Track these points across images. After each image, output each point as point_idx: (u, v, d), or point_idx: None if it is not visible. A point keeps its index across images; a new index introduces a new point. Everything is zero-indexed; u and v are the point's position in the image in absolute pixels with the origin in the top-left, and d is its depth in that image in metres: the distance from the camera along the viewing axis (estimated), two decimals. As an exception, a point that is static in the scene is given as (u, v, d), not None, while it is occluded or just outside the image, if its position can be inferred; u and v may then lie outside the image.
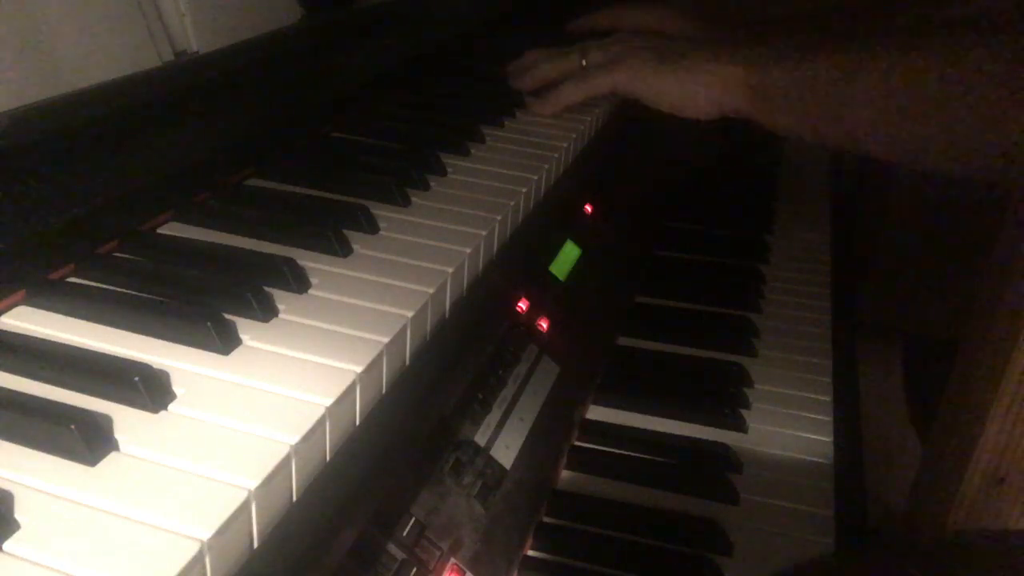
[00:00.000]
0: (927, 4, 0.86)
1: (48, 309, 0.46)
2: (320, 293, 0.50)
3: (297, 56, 0.69)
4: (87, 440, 0.36)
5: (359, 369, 0.44)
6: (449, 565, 0.56)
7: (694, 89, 0.77)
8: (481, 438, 0.64)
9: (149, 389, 0.39)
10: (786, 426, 0.84)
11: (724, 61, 0.76)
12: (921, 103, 0.65)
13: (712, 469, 0.78)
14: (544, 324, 0.76)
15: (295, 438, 0.39)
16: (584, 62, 0.85)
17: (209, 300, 0.47)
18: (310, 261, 0.53)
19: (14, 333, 0.44)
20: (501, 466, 0.64)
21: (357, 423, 0.45)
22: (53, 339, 0.44)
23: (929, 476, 0.81)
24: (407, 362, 0.50)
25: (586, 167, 0.84)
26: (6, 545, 0.33)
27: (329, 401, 0.41)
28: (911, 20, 0.85)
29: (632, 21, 1.00)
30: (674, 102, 0.79)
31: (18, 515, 0.34)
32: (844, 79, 0.69)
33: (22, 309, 0.46)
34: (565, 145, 0.78)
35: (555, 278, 0.81)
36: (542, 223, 0.71)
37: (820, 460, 0.80)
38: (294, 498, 0.40)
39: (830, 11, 0.95)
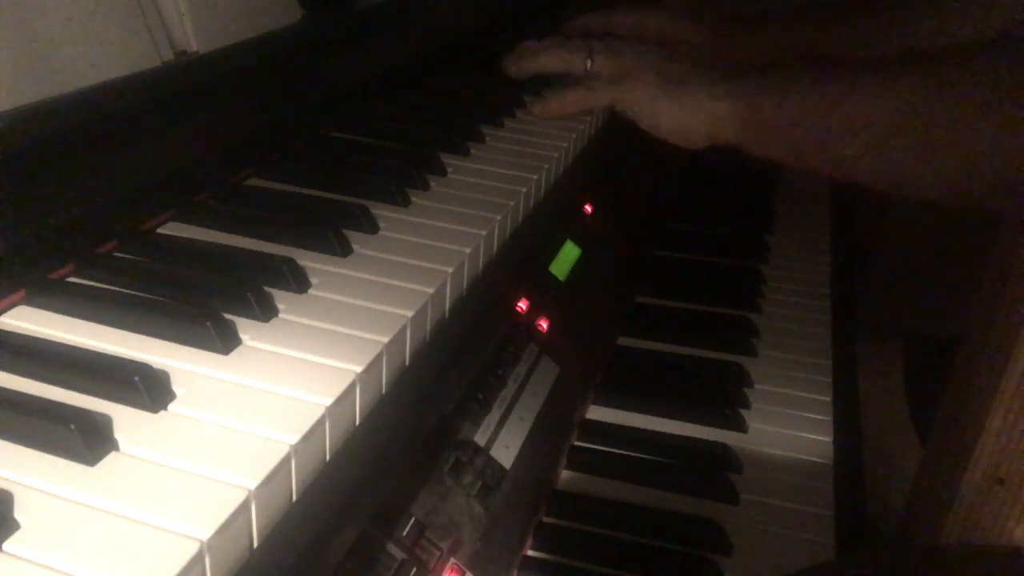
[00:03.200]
0: (903, 29, 0.86)
1: (48, 309, 0.46)
2: (320, 293, 0.50)
3: (297, 56, 0.69)
4: (87, 440, 0.36)
5: (359, 369, 0.44)
6: (449, 565, 0.56)
7: (687, 122, 0.78)
8: (481, 438, 0.64)
9: (149, 389, 0.39)
10: (786, 426, 0.84)
11: (716, 96, 0.77)
12: (906, 133, 0.66)
13: (712, 469, 0.78)
14: (544, 324, 0.76)
15: (295, 438, 0.39)
16: (590, 64, 0.84)
17: (209, 300, 0.47)
18: (310, 261, 0.53)
19: (14, 333, 0.44)
20: (501, 466, 0.64)
21: (357, 423, 0.45)
22: (53, 339, 0.44)
23: (929, 476, 0.81)
24: (407, 362, 0.50)
25: (586, 167, 0.84)
26: (6, 545, 0.33)
27: (329, 401, 0.41)
28: (896, 50, 0.85)
29: (629, 24, 0.99)
30: (667, 131, 0.80)
31: (18, 515, 0.34)
32: (829, 109, 0.70)
33: (22, 309, 0.46)
34: (565, 145, 0.78)
35: (555, 278, 0.81)
36: (542, 223, 0.71)
37: (820, 460, 0.80)
38: (294, 498, 0.40)
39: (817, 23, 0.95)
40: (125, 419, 0.39)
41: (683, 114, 0.78)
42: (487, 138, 0.77)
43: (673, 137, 0.80)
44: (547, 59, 0.87)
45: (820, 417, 0.85)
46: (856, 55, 0.87)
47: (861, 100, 0.68)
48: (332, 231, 0.55)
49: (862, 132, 0.68)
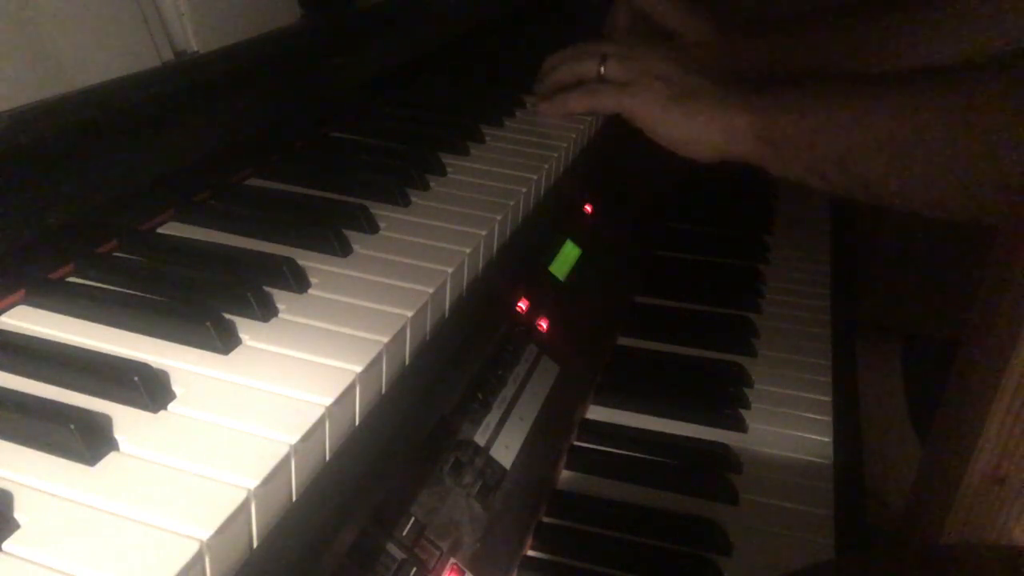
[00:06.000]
0: (907, 35, 0.86)
1: (48, 309, 0.46)
2: (320, 293, 0.50)
3: (297, 56, 0.69)
4: (86, 440, 0.36)
5: (359, 369, 0.44)
6: (449, 565, 0.56)
7: (697, 134, 0.77)
8: (481, 438, 0.64)
9: (148, 389, 0.39)
10: (786, 426, 0.84)
11: (732, 108, 0.75)
12: (929, 148, 0.64)
13: (712, 469, 0.78)
14: (544, 324, 0.76)
15: (295, 438, 0.39)
16: (602, 69, 0.84)
17: (209, 300, 0.47)
18: (310, 261, 0.53)
19: (14, 333, 0.44)
20: (501, 466, 0.64)
21: (357, 423, 0.45)
22: (53, 339, 0.44)
23: (929, 476, 0.81)
24: (407, 362, 0.50)
25: (586, 167, 0.84)
26: (5, 545, 0.33)
27: (329, 401, 0.41)
28: (901, 56, 0.85)
29: (657, 18, 0.98)
30: (676, 143, 0.79)
31: (18, 515, 0.34)
32: (850, 127, 0.68)
33: (22, 309, 0.47)
34: (565, 145, 0.78)
35: (555, 278, 0.81)
36: (542, 223, 0.71)
37: (820, 460, 0.80)
38: (294, 498, 0.40)
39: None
40: (125, 419, 0.39)
41: (694, 126, 0.77)
42: (487, 138, 0.77)
43: (680, 148, 0.79)
44: (562, 73, 0.87)
45: (820, 417, 0.85)
46: (870, 67, 0.87)
47: (885, 114, 0.66)
48: (332, 231, 0.55)
49: (886, 147, 0.66)
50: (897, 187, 0.68)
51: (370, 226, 0.58)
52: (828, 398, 0.88)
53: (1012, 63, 0.64)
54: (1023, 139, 0.60)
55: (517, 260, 0.67)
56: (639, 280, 1.06)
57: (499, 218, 0.62)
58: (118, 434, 0.38)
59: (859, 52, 0.90)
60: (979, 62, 0.69)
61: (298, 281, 0.50)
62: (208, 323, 0.44)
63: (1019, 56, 0.66)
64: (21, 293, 0.47)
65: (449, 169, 0.69)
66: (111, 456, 0.37)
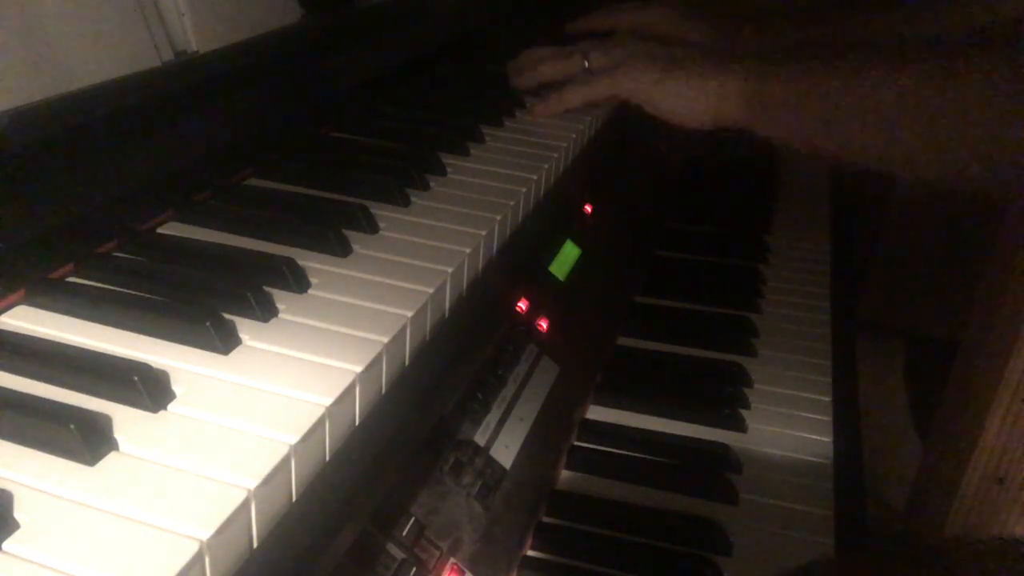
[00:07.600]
0: (908, 27, 0.87)
1: (48, 309, 0.46)
2: (320, 293, 0.50)
3: (297, 56, 0.69)
4: (86, 440, 0.36)
5: (359, 369, 0.44)
6: (449, 565, 0.56)
7: (693, 99, 0.78)
8: (481, 438, 0.64)
9: (148, 389, 0.39)
10: (786, 426, 0.84)
11: (723, 73, 0.77)
12: (911, 117, 0.66)
13: (712, 469, 0.78)
14: (544, 324, 0.76)
15: (295, 438, 0.39)
16: (586, 63, 0.85)
17: (209, 300, 0.47)
18: (310, 261, 0.53)
19: (14, 333, 0.44)
20: (501, 466, 0.64)
21: (357, 423, 0.45)
22: (53, 339, 0.44)
23: (929, 476, 0.81)
24: (407, 362, 0.50)
25: (586, 167, 0.84)
26: (6, 545, 0.33)
27: (329, 401, 0.41)
28: (903, 37, 0.86)
29: (631, 22, 1.00)
30: (672, 111, 0.80)
31: (18, 515, 0.34)
32: (836, 91, 0.70)
33: (22, 309, 0.47)
34: (565, 145, 0.78)
35: (555, 278, 0.81)
36: (542, 223, 0.71)
37: (820, 460, 0.80)
38: (294, 498, 0.40)
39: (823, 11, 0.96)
40: (125, 419, 0.39)
41: (688, 94, 0.79)
42: (487, 138, 0.77)
43: (678, 118, 0.81)
44: (546, 68, 0.88)
45: (820, 417, 0.85)
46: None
47: (870, 80, 0.68)
48: (332, 231, 0.55)
49: (870, 114, 0.68)
50: (878, 152, 0.70)
51: (370, 226, 0.58)
52: (828, 398, 0.88)
53: (993, 38, 0.65)
54: (1000, 110, 0.61)
55: (517, 260, 0.67)
56: (639, 280, 1.06)
57: (499, 218, 0.62)
58: (118, 434, 0.38)
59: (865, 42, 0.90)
60: (962, 36, 0.70)
61: (298, 281, 0.50)
62: (208, 323, 0.44)
63: (1000, 31, 0.66)
64: (21, 293, 0.47)
65: (449, 169, 0.69)
66: (111, 456, 0.37)
